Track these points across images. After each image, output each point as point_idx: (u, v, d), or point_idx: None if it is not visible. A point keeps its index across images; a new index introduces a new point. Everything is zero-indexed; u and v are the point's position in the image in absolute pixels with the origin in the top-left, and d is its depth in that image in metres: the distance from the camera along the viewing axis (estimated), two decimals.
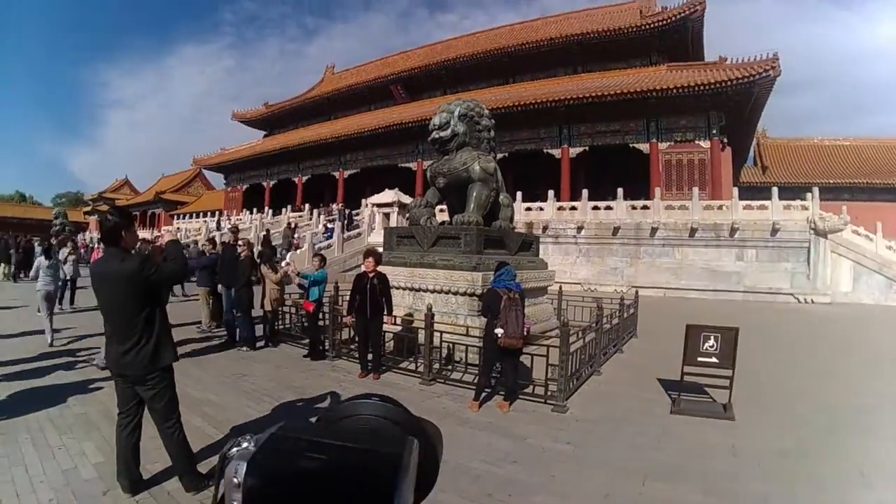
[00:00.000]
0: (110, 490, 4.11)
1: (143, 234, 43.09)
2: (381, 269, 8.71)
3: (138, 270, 3.88)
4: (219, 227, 37.88)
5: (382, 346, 8.80)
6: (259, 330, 10.74)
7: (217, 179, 64.97)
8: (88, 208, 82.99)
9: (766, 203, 24.26)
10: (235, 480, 0.47)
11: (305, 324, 10.48)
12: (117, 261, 3.95)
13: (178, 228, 44.61)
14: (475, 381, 7.22)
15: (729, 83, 26.90)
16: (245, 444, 0.51)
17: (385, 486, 0.43)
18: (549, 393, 7.07)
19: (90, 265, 5.39)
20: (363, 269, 8.45)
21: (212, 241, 15.95)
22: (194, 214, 53.32)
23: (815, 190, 23.83)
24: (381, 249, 10.58)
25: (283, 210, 40.48)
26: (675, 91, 27.89)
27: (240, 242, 11.87)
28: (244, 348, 10.05)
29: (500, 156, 30.11)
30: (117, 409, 4.20)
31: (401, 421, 0.64)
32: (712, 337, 6.95)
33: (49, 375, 7.56)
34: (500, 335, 6.55)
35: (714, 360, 6.90)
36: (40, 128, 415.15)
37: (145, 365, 3.97)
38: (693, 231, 24.65)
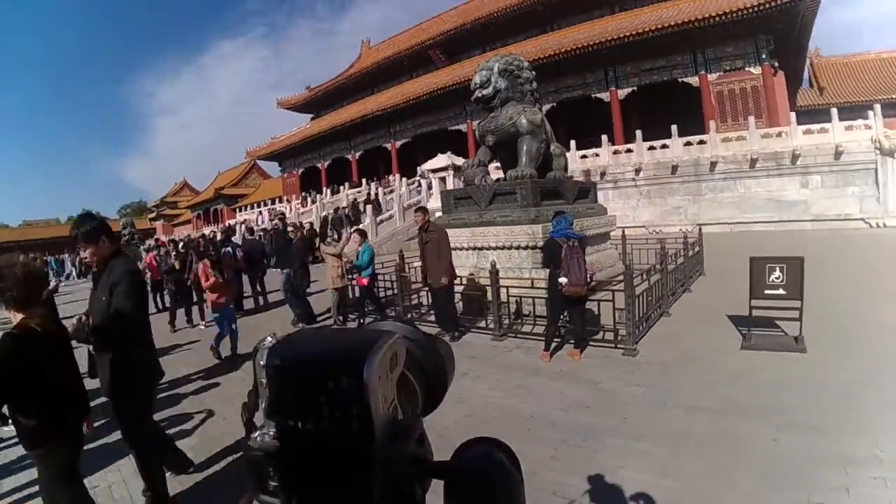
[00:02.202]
0: None
1: (208, 229, 44.74)
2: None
3: None
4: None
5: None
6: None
7: (272, 167, 66.37)
8: (153, 214, 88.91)
9: (827, 126, 22.83)
10: (261, 362, 0.65)
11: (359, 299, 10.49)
12: None
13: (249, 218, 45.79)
14: (545, 332, 7.36)
15: (774, 2, 25.21)
16: (269, 339, 0.68)
17: (358, 359, 0.59)
18: (618, 337, 7.18)
19: None
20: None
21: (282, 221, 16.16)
22: (256, 204, 54.32)
23: (877, 107, 22.16)
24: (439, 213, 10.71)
25: (342, 188, 41.09)
26: (718, 18, 26.34)
27: (289, 227, 12.16)
28: (300, 325, 10.15)
29: (547, 106, 30.05)
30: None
31: (408, 335, 0.76)
32: (777, 268, 6.84)
33: None
34: (563, 284, 6.63)
35: (781, 291, 6.80)
36: (96, 150, 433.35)
37: None
38: (753, 162, 23.64)
